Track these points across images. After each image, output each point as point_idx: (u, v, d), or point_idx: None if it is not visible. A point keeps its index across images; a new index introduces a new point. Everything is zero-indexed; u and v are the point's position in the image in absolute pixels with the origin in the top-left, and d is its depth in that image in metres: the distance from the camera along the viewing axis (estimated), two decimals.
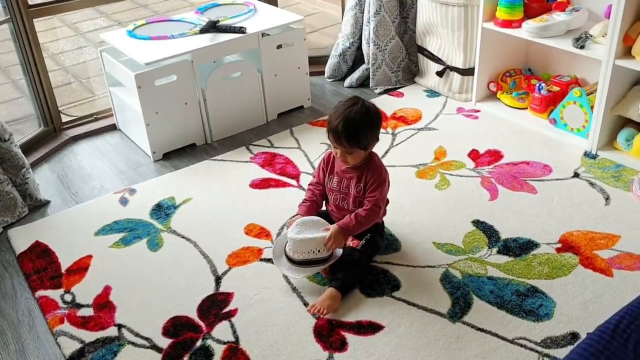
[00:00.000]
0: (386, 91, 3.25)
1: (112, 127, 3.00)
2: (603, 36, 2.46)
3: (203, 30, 2.67)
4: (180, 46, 2.63)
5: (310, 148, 2.72)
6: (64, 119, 2.98)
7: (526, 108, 2.88)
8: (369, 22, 3.14)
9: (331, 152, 2.03)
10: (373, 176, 1.93)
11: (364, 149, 1.89)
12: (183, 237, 2.19)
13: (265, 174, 2.55)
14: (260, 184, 2.48)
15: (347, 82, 3.36)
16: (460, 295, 1.85)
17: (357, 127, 1.84)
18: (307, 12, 4.74)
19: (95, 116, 3.04)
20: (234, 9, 3.00)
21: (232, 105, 2.84)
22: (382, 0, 3.06)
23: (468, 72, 3.00)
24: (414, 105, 3.05)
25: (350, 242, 1.97)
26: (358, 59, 3.38)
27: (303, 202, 2.05)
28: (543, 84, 2.77)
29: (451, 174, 2.46)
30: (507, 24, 2.71)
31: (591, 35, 2.47)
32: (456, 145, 2.66)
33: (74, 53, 4.31)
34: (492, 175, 2.43)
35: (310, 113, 3.08)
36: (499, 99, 2.97)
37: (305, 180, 2.48)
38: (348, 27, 3.25)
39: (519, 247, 2.04)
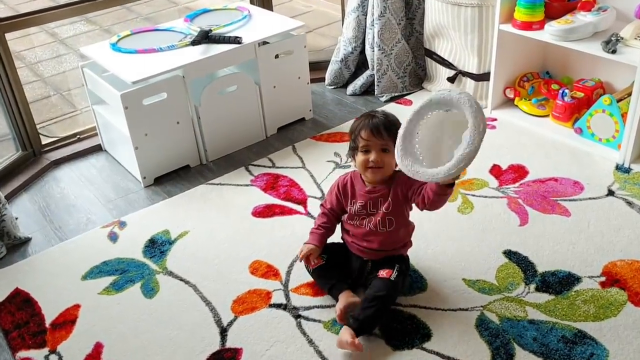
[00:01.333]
0: (392, 99, 3.01)
1: (97, 148, 2.75)
2: (636, 38, 2.25)
3: (195, 42, 2.42)
4: (170, 60, 2.38)
5: (316, 167, 2.49)
6: (44, 140, 2.72)
7: (547, 116, 2.67)
8: (372, 26, 2.90)
9: (346, 177, 1.81)
10: (406, 180, 1.66)
11: (390, 145, 1.70)
12: (181, 279, 1.96)
13: (269, 199, 2.32)
14: (264, 212, 2.24)
15: (349, 89, 3.12)
16: (500, 345, 1.63)
17: (393, 120, 1.75)
18: (301, 11, 4.48)
19: (78, 136, 2.78)
20: (227, 16, 2.75)
21: (228, 121, 2.59)
22: (387, 1, 2.83)
23: (482, 77, 2.77)
24: None
25: (383, 273, 1.74)
26: (360, 65, 3.15)
27: (316, 228, 1.84)
28: (566, 90, 2.55)
29: (474, 195, 2.24)
30: (527, 25, 2.49)
31: (622, 38, 2.26)
32: (475, 160, 2.42)
33: (52, 62, 4.03)
34: (520, 196, 2.21)
35: (313, 126, 2.85)
36: (516, 105, 2.75)
37: (313, 205, 2.25)
38: (350, 31, 3.01)
39: (559, 283, 1.82)
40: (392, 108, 2.91)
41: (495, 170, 2.37)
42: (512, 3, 2.55)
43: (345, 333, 1.62)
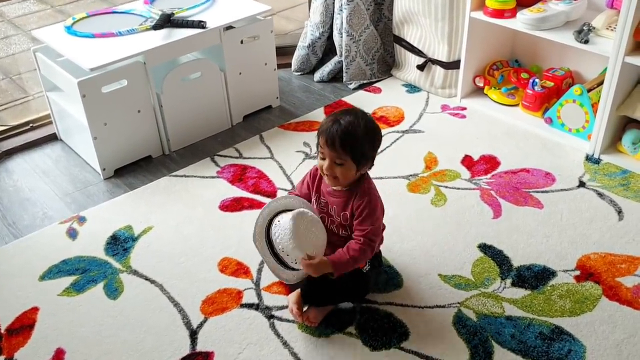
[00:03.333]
0: (361, 86, 2.95)
1: (53, 137, 2.60)
2: (607, 28, 2.24)
3: (156, 27, 2.29)
4: (130, 45, 2.25)
5: (285, 157, 2.41)
6: None
7: (517, 105, 2.65)
8: (341, 10, 2.82)
9: (312, 169, 1.74)
10: (361, 203, 1.60)
11: (356, 164, 1.57)
12: (147, 278, 1.86)
13: (237, 191, 2.23)
14: (232, 206, 2.16)
15: (317, 75, 3.04)
16: (479, 343, 1.61)
17: (354, 133, 1.55)
18: None
19: (31, 124, 2.63)
20: (193, 1, 2.62)
21: (191, 109, 2.49)
22: None
23: (452, 65, 2.73)
24: (394, 103, 2.77)
25: None
26: (328, 50, 3.07)
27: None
28: (537, 80, 2.54)
29: (446, 187, 2.21)
30: (499, 13, 2.45)
31: (594, 28, 2.24)
32: (447, 151, 2.41)
33: (0, 44, 3.80)
34: (492, 187, 2.19)
35: (280, 114, 2.76)
36: (486, 94, 2.73)
37: None
38: (317, 16, 2.92)
39: (535, 277, 1.81)
40: (360, 96, 2.85)
41: (467, 161, 2.34)
42: None
43: (293, 296, 1.65)
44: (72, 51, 2.23)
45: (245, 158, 2.43)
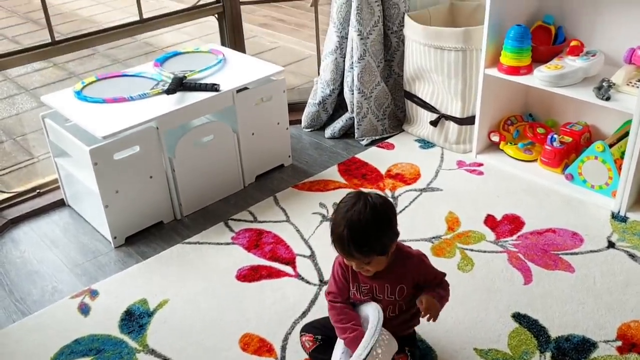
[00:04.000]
0: (373, 142, 2.90)
1: (60, 203, 2.52)
2: (627, 84, 2.21)
3: (169, 91, 2.24)
4: (143, 111, 2.20)
5: (301, 220, 2.34)
6: (0, 196, 2.48)
7: (534, 160, 2.60)
8: (352, 68, 2.80)
9: (339, 257, 1.65)
10: (417, 267, 1.56)
11: (383, 254, 1.51)
12: (165, 358, 1.76)
13: (254, 259, 2.15)
14: (250, 275, 2.07)
15: (328, 132, 2.99)
16: None
17: (365, 232, 1.45)
18: (267, 47, 4.36)
19: (38, 190, 2.55)
20: (201, 60, 2.59)
21: (203, 172, 2.42)
22: (366, 44, 2.73)
23: (466, 121, 2.69)
24: (409, 160, 2.72)
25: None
26: (338, 106, 3.03)
27: (349, 331, 1.55)
28: (555, 135, 2.50)
29: (472, 250, 2.13)
30: (514, 70, 2.42)
31: (614, 84, 2.21)
32: (468, 210, 2.34)
33: (3, 104, 3.75)
34: (519, 250, 2.12)
35: (293, 173, 2.70)
36: (501, 150, 2.68)
37: (303, 265, 2.09)
38: (328, 74, 2.89)
39: (575, 349, 1.72)
40: (373, 152, 2.80)
41: (490, 222, 2.28)
42: (498, 47, 2.49)
43: None
44: (83, 118, 2.18)
45: (260, 222, 2.35)
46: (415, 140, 2.88)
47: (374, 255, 1.49)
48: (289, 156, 2.76)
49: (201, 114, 2.37)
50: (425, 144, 2.84)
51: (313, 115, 3.02)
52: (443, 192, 2.47)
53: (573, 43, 2.37)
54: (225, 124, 2.43)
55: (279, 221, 2.35)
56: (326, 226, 2.29)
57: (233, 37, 2.91)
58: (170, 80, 2.35)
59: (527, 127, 2.70)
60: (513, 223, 2.26)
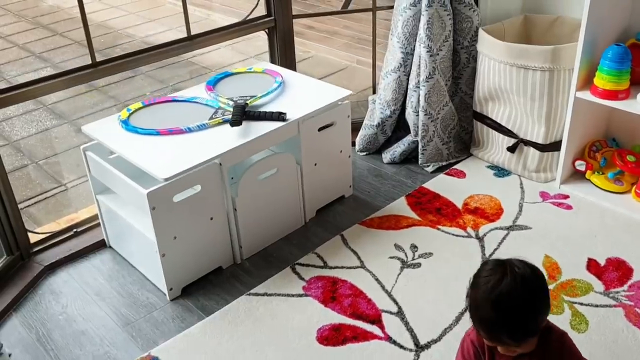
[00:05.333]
0: (439, 169, 2.64)
1: (100, 244, 2.24)
2: None
3: (235, 122, 1.96)
4: (204, 145, 1.93)
5: (378, 266, 2.07)
6: (33, 238, 2.19)
7: (626, 192, 2.35)
8: (417, 88, 2.53)
9: (472, 335, 1.39)
10: (560, 349, 1.31)
11: (535, 334, 1.27)
12: None
13: (333, 315, 1.88)
14: (332, 337, 1.80)
15: (387, 157, 2.72)
16: None
17: (519, 314, 1.21)
18: (300, 57, 4.08)
19: (75, 229, 2.27)
20: (256, 82, 2.31)
21: (265, 210, 2.15)
22: (435, 61, 2.46)
23: (549, 147, 2.43)
24: (485, 190, 2.45)
25: None
26: (395, 128, 2.77)
27: None
28: None
29: (581, 303, 1.87)
30: (612, 94, 2.17)
31: None
32: (565, 253, 2.08)
33: (21, 121, 3.44)
34: (634, 303, 1.86)
35: (355, 205, 2.43)
36: (588, 179, 2.43)
37: (392, 325, 1.82)
38: (389, 93, 2.62)
39: None
40: (443, 181, 2.53)
41: (594, 268, 2.02)
42: (592, 68, 2.23)
43: None
44: (136, 153, 1.90)
45: (331, 268, 2.08)
46: (488, 167, 2.61)
47: (528, 339, 1.24)
48: (350, 186, 2.49)
49: (266, 147, 2.09)
50: (500, 171, 2.58)
51: (370, 138, 2.75)
52: (532, 230, 2.21)
53: None
54: (290, 155, 2.16)
55: (353, 267, 2.08)
56: (407, 274, 2.03)
57: (284, 53, 2.63)
58: (230, 108, 2.07)
59: (614, 154, 2.44)
60: (619, 269, 2.01)
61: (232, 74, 2.40)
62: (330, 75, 3.86)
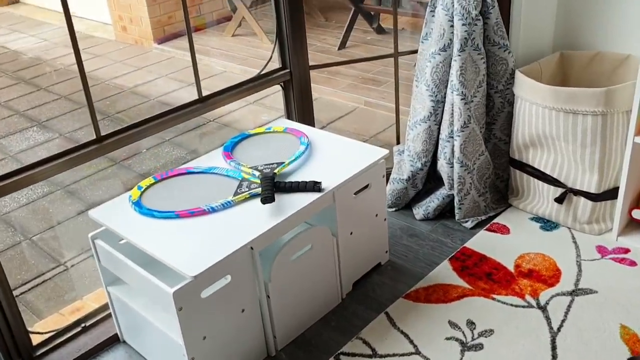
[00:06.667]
0: (479, 224, 2.41)
1: (114, 339, 1.96)
2: None
3: (267, 199, 1.71)
4: (232, 228, 1.67)
5: (435, 350, 1.82)
6: (35, 339, 1.91)
7: None
8: (451, 138, 2.31)
9: None
10: None
11: None
12: None
13: None
14: None
15: (419, 213, 2.49)
16: None
17: None
18: None
19: (83, 324, 1.99)
20: (279, 144, 2.07)
21: (299, 291, 1.89)
22: (470, 108, 2.24)
23: (603, 196, 2.21)
24: (535, 248, 2.22)
25: None
26: (426, 180, 2.54)
27: None
28: None
29: None
30: None
31: None
32: None
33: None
34: None
35: (394, 274, 2.18)
36: None
37: None
38: (419, 144, 2.40)
39: None
40: (487, 239, 2.30)
41: None
42: None
43: None
44: (155, 244, 1.64)
45: (382, 357, 1.82)
46: (532, 219, 2.38)
47: None
48: (386, 252, 2.24)
49: (300, 222, 1.84)
50: (547, 223, 2.35)
51: (399, 193, 2.52)
52: (599, 294, 1.98)
53: None
54: (325, 229, 1.91)
55: (407, 354, 1.82)
56: (471, 358, 1.77)
57: (302, 108, 2.40)
58: (256, 179, 1.83)
59: None
60: None
61: (250, 135, 2.16)
62: (338, 119, 3.64)
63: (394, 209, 2.56)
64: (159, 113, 2.00)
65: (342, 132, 3.53)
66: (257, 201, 1.77)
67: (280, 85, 2.37)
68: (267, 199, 1.70)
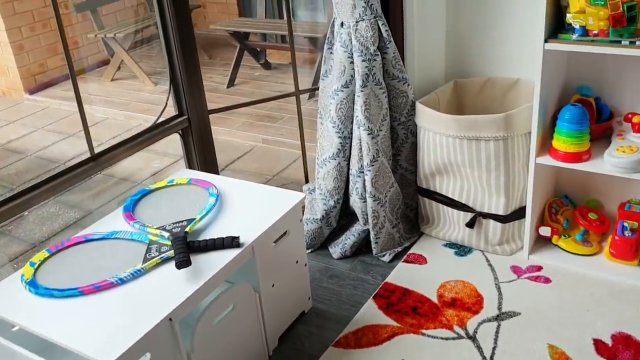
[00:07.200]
0: (396, 256, 2.38)
1: None
2: None
3: (182, 263, 1.56)
4: (147, 301, 1.51)
5: None
6: None
7: (596, 253, 2.23)
8: (361, 173, 2.28)
9: None
10: None
11: None
12: None
13: None
14: None
15: (336, 251, 2.42)
16: None
17: None
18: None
19: None
20: (187, 198, 1.92)
21: (224, 356, 1.75)
22: (377, 142, 2.23)
23: (511, 217, 2.27)
24: (454, 275, 2.22)
25: None
26: (339, 218, 2.49)
27: None
28: (625, 224, 2.14)
29: None
30: (575, 157, 2.04)
31: None
32: (567, 338, 1.89)
33: None
34: None
35: (319, 321, 2.09)
36: (555, 244, 2.29)
37: None
38: (330, 182, 2.34)
39: None
40: (406, 271, 2.27)
41: (603, 350, 1.83)
42: (546, 130, 2.12)
43: None
44: (59, 330, 1.43)
45: None
46: (445, 246, 2.40)
47: None
48: (309, 298, 2.15)
49: (220, 283, 1.70)
50: (460, 249, 2.37)
51: (314, 234, 2.44)
52: (522, 316, 2.00)
53: (636, 119, 2.04)
54: (246, 285, 1.78)
55: None
56: None
57: (203, 155, 2.27)
58: (166, 241, 1.67)
59: (575, 213, 2.33)
60: (629, 346, 1.84)
61: (151, 190, 1.99)
62: (238, 160, 3.52)
63: (309, 251, 2.48)
64: (48, 177, 1.79)
65: (242, 173, 3.42)
66: (170, 265, 1.62)
67: (179, 133, 2.23)
68: (182, 263, 1.55)
